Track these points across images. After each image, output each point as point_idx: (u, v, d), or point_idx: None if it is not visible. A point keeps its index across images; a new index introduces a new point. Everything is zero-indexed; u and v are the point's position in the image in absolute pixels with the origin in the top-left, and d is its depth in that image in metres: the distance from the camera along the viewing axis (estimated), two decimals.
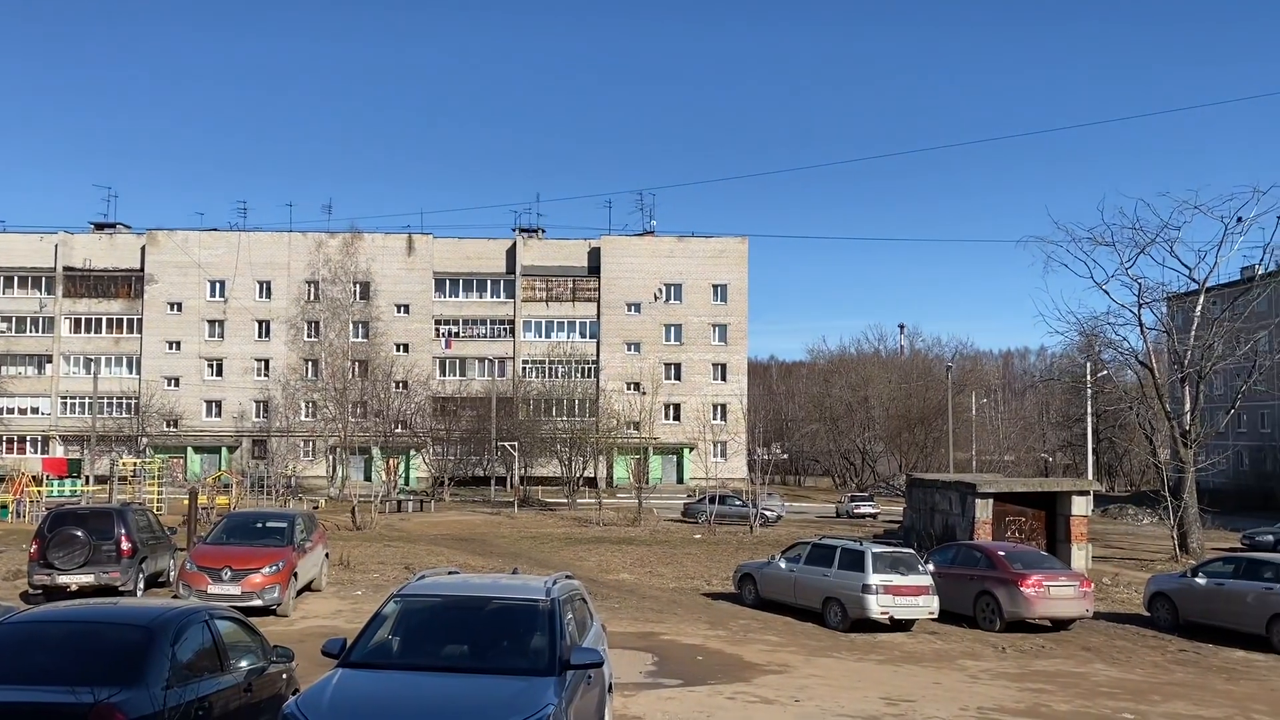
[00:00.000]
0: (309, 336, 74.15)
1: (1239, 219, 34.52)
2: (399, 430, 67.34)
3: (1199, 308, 35.92)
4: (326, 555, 21.85)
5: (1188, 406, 35.42)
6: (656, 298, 74.62)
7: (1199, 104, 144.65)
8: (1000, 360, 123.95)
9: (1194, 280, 36.02)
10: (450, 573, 10.32)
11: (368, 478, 64.76)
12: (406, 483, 66.25)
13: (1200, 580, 20.10)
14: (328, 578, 21.55)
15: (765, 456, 58.06)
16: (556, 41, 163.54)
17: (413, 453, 67.93)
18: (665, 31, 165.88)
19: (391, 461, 60.93)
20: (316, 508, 46.76)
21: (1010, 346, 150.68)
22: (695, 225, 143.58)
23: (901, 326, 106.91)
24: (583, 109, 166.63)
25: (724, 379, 74.35)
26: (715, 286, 75.04)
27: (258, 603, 16.96)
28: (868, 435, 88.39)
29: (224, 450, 71.96)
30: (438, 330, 75.25)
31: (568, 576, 9.91)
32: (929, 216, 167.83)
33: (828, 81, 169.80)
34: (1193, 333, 35.73)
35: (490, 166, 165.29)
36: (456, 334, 75.29)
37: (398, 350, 73.51)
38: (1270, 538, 38.27)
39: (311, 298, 74.49)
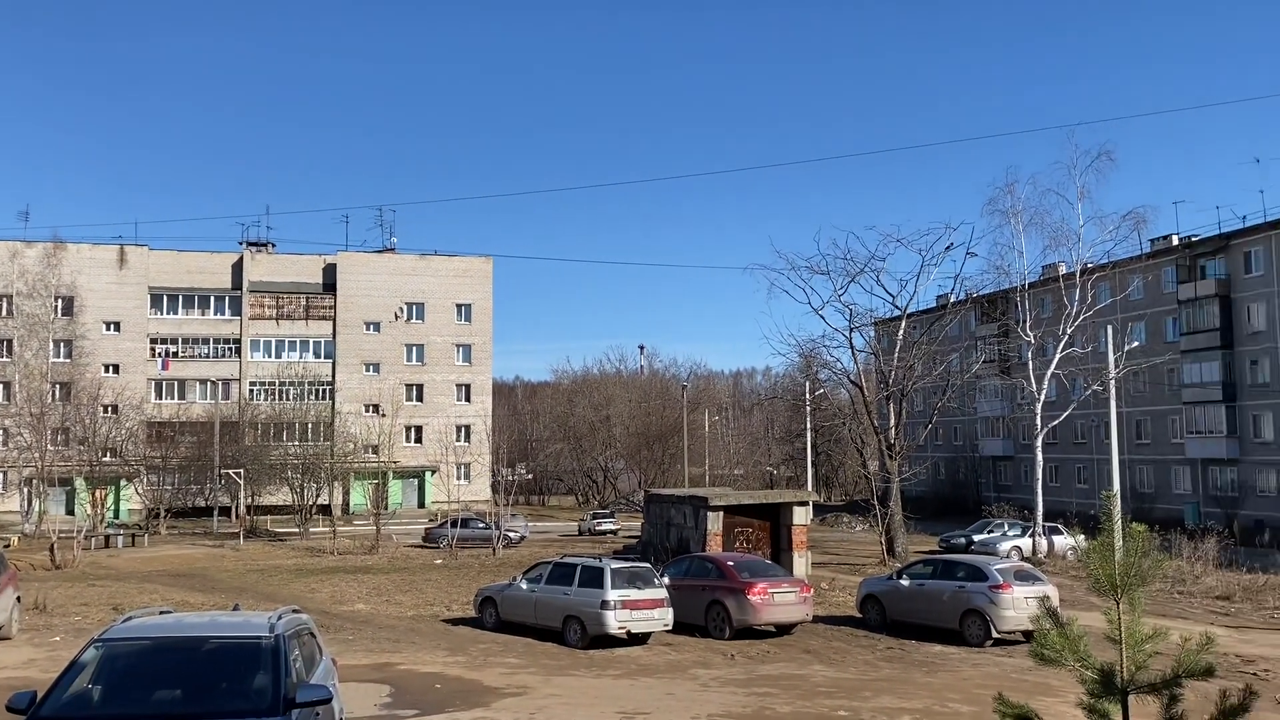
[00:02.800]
0: (1, 356, 66.56)
1: (950, 246, 38.15)
2: (107, 458, 61.58)
3: (901, 332, 39.31)
4: (19, 599, 19.69)
5: (893, 421, 38.63)
6: (397, 317, 72.84)
7: (903, 146, 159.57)
8: (731, 379, 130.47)
9: (897, 307, 39.44)
10: (162, 612, 9.63)
11: (70, 511, 58.70)
12: (116, 516, 60.69)
13: (904, 582, 21.92)
14: (19, 623, 19.40)
15: (510, 477, 57.86)
16: (288, 43, 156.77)
17: (124, 483, 62.34)
18: (401, 43, 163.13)
19: (98, 493, 55.54)
20: (7, 546, 42.05)
21: (740, 367, 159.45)
22: (438, 244, 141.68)
23: (641, 347, 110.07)
24: (318, 118, 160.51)
25: (468, 400, 73.57)
26: (459, 306, 74.23)
27: None
28: (609, 453, 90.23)
29: None
30: (154, 349, 69.73)
31: (295, 610, 9.48)
32: (666, 242, 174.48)
33: (570, 106, 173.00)
34: (896, 354, 39.02)
35: (215, 175, 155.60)
36: (175, 354, 70.07)
37: (107, 371, 67.39)
38: (963, 540, 42.26)
39: (4, 313, 66.94)
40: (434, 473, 69.80)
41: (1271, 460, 51.21)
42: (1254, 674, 16.55)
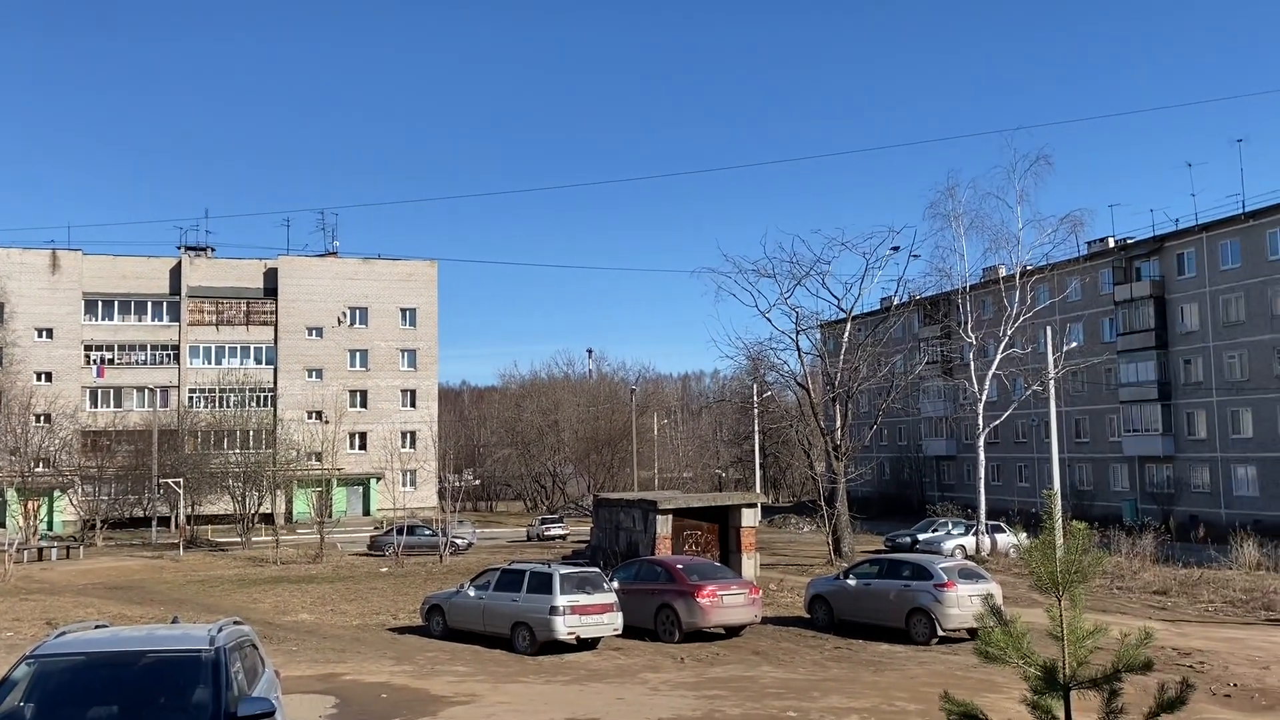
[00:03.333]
0: None
1: (895, 249, 38.71)
2: (40, 469, 59.94)
3: (846, 334, 39.73)
4: None
5: (839, 423, 39.01)
6: (340, 322, 71.90)
7: (848, 150, 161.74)
8: (679, 383, 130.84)
9: (842, 309, 39.87)
10: (98, 626, 9.35)
11: (1, 524, 57.06)
12: (50, 527, 59.09)
13: (851, 581, 22.08)
14: None
15: (457, 483, 57.38)
16: (225, 46, 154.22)
17: (58, 493, 60.75)
18: (342, 45, 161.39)
19: (31, 504, 54.08)
20: None
21: (688, 370, 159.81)
22: (382, 248, 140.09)
23: (589, 351, 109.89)
24: (257, 119, 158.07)
25: (414, 405, 72.81)
26: (404, 310, 73.47)
27: None
28: (558, 458, 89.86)
29: None
30: (89, 357, 68.06)
31: (236, 621, 9.28)
32: (614, 246, 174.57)
33: (516, 109, 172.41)
34: (842, 356, 39.45)
35: (152, 178, 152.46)
36: (111, 360, 68.43)
37: (39, 379, 65.59)
38: (908, 539, 42.84)
39: None
40: (379, 480, 68.96)
41: (1205, 457, 52.60)
42: (1190, 667, 16.93)
